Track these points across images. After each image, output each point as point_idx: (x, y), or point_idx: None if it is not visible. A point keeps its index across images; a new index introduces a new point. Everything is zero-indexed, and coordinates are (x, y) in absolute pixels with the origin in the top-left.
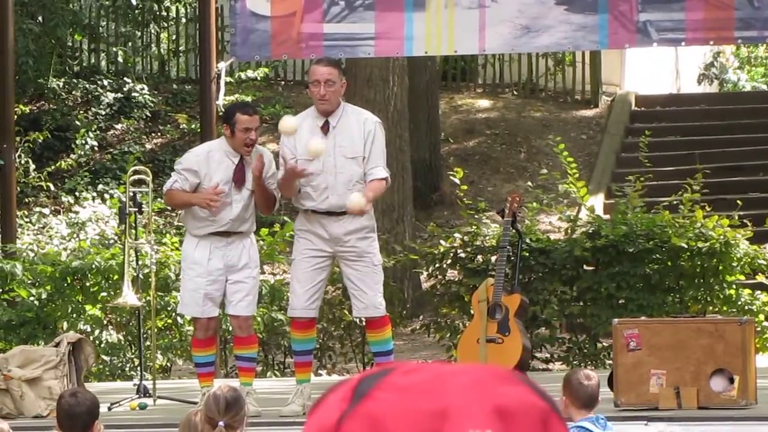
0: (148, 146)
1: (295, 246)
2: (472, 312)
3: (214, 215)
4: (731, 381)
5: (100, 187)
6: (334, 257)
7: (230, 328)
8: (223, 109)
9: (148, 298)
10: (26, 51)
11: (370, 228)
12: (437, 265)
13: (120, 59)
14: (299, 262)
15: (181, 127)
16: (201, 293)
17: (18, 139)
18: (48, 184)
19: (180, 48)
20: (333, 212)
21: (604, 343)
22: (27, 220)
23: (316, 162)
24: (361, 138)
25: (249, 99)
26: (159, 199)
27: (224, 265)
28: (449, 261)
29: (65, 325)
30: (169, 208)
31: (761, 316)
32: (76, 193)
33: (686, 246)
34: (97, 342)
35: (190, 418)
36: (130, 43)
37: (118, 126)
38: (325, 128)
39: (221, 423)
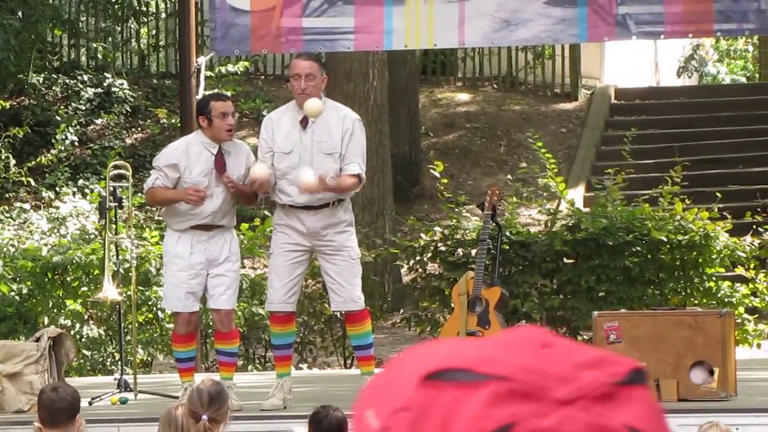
0: (129, 141)
1: (273, 240)
2: (452, 305)
3: (197, 206)
4: (711, 373)
5: (81, 182)
6: (312, 251)
7: (211, 323)
8: None
9: (128, 292)
10: (7, 46)
11: (347, 222)
12: (417, 259)
13: (100, 54)
14: (277, 256)
15: (161, 122)
16: (183, 287)
17: None
18: (28, 179)
19: (160, 43)
20: (310, 206)
21: (585, 336)
22: (7, 215)
23: (293, 156)
24: (339, 134)
25: (229, 93)
26: (139, 194)
27: (206, 258)
28: (429, 254)
29: (46, 320)
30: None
31: (741, 309)
32: (57, 188)
33: (666, 239)
34: (78, 337)
35: (171, 413)
36: (110, 38)
37: (98, 121)
38: (304, 122)
39: (204, 416)
